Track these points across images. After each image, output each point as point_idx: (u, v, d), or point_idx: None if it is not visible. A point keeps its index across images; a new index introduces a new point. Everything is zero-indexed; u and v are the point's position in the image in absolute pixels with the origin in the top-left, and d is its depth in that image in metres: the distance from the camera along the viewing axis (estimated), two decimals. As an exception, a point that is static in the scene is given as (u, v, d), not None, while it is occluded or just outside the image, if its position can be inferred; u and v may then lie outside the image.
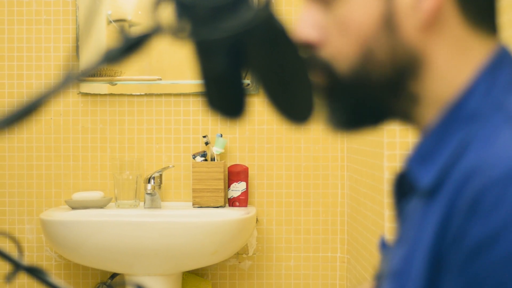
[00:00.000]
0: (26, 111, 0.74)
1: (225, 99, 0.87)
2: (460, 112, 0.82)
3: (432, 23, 0.82)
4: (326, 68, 0.87)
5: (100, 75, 3.05)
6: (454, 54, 0.83)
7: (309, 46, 0.87)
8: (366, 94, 0.86)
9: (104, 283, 3.08)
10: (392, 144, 2.24)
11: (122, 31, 0.75)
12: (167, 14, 0.77)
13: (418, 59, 0.83)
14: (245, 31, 0.78)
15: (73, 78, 0.75)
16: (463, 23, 0.83)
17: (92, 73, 0.77)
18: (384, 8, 0.82)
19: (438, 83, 0.83)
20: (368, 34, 0.83)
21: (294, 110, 0.88)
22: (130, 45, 0.75)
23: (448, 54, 0.83)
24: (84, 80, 3.06)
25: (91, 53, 3.05)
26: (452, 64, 0.83)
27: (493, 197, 0.70)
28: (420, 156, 0.84)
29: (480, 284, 0.70)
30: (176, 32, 0.76)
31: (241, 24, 0.77)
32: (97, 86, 3.10)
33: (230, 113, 0.87)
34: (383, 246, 1.07)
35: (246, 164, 3.09)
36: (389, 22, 0.82)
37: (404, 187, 0.90)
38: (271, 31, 0.82)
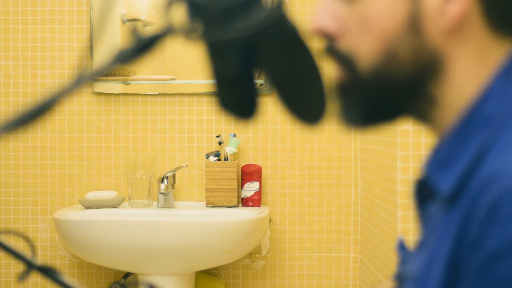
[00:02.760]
0: (40, 111, 0.74)
1: (237, 100, 0.86)
2: (478, 116, 0.81)
3: (457, 28, 0.81)
4: (346, 62, 0.86)
5: (114, 75, 3.06)
6: (475, 59, 0.82)
7: (325, 37, 0.87)
8: (385, 93, 0.85)
9: (117, 283, 3.08)
10: (405, 145, 2.23)
11: (134, 31, 0.76)
12: (179, 15, 0.77)
13: (439, 62, 0.82)
14: (257, 32, 0.77)
15: (86, 78, 0.75)
16: (486, 27, 0.82)
17: (105, 73, 0.76)
18: (410, 10, 0.81)
19: (457, 86, 0.83)
20: (392, 34, 0.82)
21: (306, 110, 0.87)
22: (142, 46, 0.75)
23: (469, 58, 0.82)
24: (97, 80, 3.06)
25: (105, 53, 3.06)
26: (472, 68, 0.82)
27: (510, 205, 0.70)
28: (439, 161, 0.83)
29: None
30: (188, 33, 0.77)
31: (253, 25, 0.77)
32: (111, 86, 3.10)
33: (242, 113, 0.87)
34: (401, 248, 1.06)
35: (259, 164, 3.09)
36: (414, 24, 0.82)
37: (425, 192, 0.89)
38: (283, 31, 0.82)
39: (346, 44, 0.85)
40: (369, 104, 0.87)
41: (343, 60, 0.86)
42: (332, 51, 0.87)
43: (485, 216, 0.71)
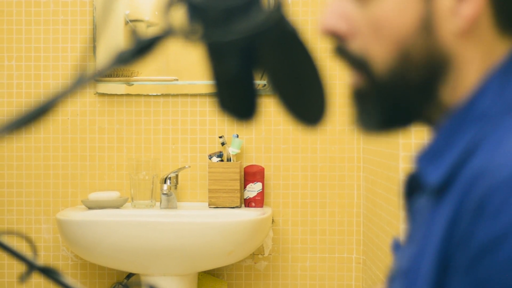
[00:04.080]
0: (42, 111, 0.75)
1: (236, 101, 0.87)
2: (472, 112, 0.81)
3: (469, 29, 0.82)
4: (361, 65, 0.86)
5: (117, 76, 3.06)
6: (481, 60, 0.82)
7: (335, 37, 0.87)
8: (401, 97, 0.85)
9: (120, 283, 3.09)
10: (407, 145, 2.23)
11: (134, 33, 0.76)
12: (179, 16, 0.77)
13: (450, 63, 0.82)
14: (256, 33, 0.78)
15: (87, 79, 0.76)
16: (493, 28, 0.82)
17: (107, 74, 0.77)
18: (422, 11, 0.81)
19: (464, 88, 0.83)
20: (404, 35, 0.82)
21: (306, 112, 0.87)
22: (142, 47, 0.76)
23: (477, 60, 0.82)
24: (99, 81, 3.07)
25: (107, 54, 3.06)
26: (479, 69, 0.83)
27: (500, 199, 0.70)
28: (430, 154, 0.84)
29: (486, 286, 0.70)
30: (188, 34, 0.77)
31: (252, 27, 0.77)
32: (114, 86, 3.11)
33: (242, 115, 0.87)
34: (396, 247, 1.07)
35: (262, 164, 3.09)
36: (427, 25, 0.82)
37: (414, 185, 0.90)
38: (283, 33, 0.82)
39: (357, 46, 0.86)
40: (386, 109, 0.87)
41: (357, 63, 0.86)
42: (343, 52, 0.87)
43: (475, 209, 0.72)
